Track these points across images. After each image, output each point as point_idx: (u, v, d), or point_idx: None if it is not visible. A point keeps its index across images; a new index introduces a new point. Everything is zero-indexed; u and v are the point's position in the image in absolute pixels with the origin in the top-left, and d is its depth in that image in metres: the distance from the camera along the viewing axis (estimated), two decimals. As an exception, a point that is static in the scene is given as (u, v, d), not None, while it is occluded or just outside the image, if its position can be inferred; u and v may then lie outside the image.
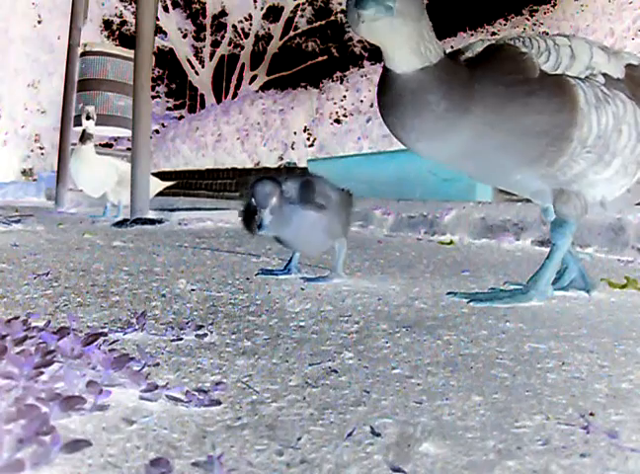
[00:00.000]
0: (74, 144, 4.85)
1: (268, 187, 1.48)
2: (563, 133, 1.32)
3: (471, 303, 1.41)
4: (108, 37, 19.35)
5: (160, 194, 4.94)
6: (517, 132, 1.32)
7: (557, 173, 1.38)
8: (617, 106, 1.36)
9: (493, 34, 7.51)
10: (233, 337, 1.00)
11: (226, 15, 21.60)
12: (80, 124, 4.56)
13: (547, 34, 1.60)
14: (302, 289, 1.52)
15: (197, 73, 21.72)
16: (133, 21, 5.56)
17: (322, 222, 1.60)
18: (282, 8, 20.91)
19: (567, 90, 1.31)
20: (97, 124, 4.62)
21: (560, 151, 1.34)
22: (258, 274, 1.75)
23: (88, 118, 4.38)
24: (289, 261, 1.79)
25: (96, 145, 4.64)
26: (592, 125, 1.33)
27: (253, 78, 21.83)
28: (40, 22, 15.26)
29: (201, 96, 22.48)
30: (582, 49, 1.37)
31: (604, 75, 1.37)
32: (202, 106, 20.93)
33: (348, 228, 1.74)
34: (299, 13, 21.44)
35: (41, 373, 0.65)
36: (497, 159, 1.39)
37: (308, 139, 9.85)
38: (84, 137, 4.36)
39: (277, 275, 1.74)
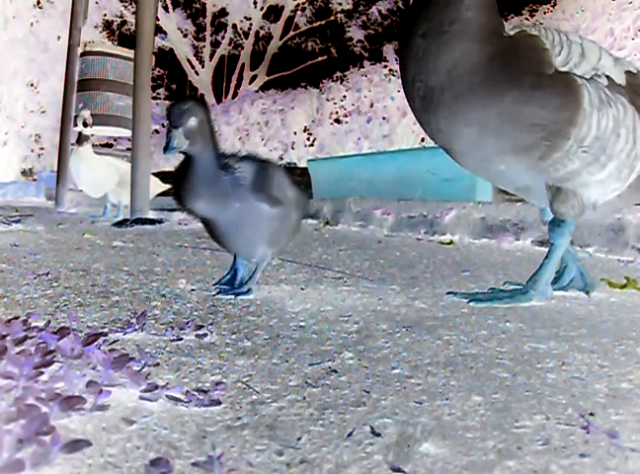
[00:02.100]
0: (74, 144, 4.85)
1: (187, 104, 1.22)
2: (561, 130, 1.33)
3: (471, 303, 1.41)
4: (108, 37, 19.36)
5: (160, 194, 4.94)
6: (506, 118, 1.33)
7: (550, 168, 1.39)
8: (618, 109, 1.37)
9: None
10: (233, 337, 1.00)
11: (226, 15, 21.59)
12: (80, 125, 4.57)
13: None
14: (302, 289, 1.52)
15: (197, 73, 21.72)
16: (133, 21, 5.55)
17: (270, 222, 1.35)
18: (282, 8, 20.91)
19: (573, 89, 1.32)
20: (97, 124, 4.62)
21: (555, 147, 1.34)
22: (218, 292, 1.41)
23: (85, 124, 4.37)
24: (230, 274, 1.51)
25: (95, 145, 4.64)
26: (591, 126, 1.33)
27: (253, 78, 21.83)
28: (38, 21, 15.26)
29: (202, 96, 22.48)
30: (591, 50, 1.39)
31: (608, 78, 1.38)
32: (202, 106, 20.88)
33: (290, 238, 1.47)
34: (299, 13, 21.44)
35: (41, 373, 0.65)
36: (482, 137, 1.37)
37: (308, 139, 9.87)
38: (81, 139, 4.37)
39: (232, 294, 1.39)
